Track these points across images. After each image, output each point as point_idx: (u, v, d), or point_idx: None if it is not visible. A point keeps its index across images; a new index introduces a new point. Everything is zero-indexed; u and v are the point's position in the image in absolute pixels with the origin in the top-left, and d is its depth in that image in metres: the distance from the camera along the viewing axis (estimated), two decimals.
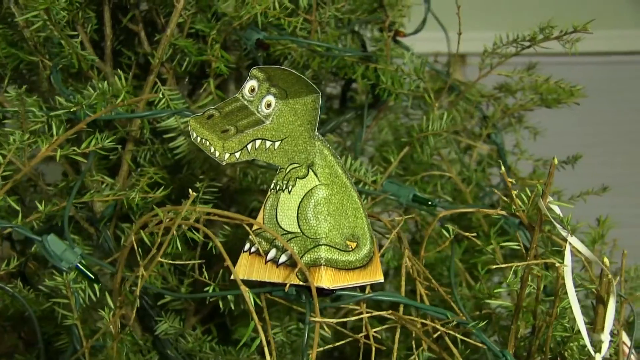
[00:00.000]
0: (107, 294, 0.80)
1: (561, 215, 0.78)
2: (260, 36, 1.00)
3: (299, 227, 0.76)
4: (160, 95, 0.96)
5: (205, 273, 0.82)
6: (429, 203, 0.96)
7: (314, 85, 0.78)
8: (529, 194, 0.79)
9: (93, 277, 0.83)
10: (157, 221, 0.78)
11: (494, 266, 0.75)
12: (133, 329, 1.02)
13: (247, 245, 0.78)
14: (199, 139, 0.78)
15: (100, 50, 1.06)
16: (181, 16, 1.00)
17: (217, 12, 1.02)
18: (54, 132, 0.79)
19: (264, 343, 0.65)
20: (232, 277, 0.78)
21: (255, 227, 0.77)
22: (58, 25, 0.87)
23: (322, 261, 0.74)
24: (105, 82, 0.90)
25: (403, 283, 0.79)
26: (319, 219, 0.75)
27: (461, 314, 0.81)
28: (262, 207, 0.79)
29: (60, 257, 0.82)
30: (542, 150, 1.29)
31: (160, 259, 0.74)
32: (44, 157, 0.77)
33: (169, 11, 1.05)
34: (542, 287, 0.84)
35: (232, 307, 0.82)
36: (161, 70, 1.05)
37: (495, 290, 0.82)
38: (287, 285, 0.73)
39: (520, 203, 0.80)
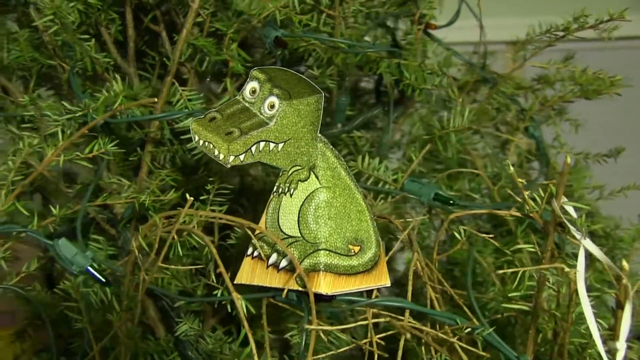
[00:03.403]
0: (113, 298, 0.80)
1: (575, 216, 0.75)
2: (278, 33, 0.98)
3: (299, 231, 0.75)
4: (178, 96, 0.96)
5: (213, 276, 0.82)
6: (451, 202, 0.93)
7: (316, 86, 0.76)
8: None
9: (104, 281, 0.83)
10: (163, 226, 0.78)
11: (500, 271, 0.72)
12: (156, 330, 1.02)
13: (250, 250, 0.77)
14: (201, 142, 0.76)
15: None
16: (200, 15, 0.99)
17: (236, 10, 1.00)
18: (60, 137, 0.79)
19: (254, 351, 0.64)
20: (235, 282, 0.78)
21: (257, 231, 0.76)
22: (68, 29, 0.86)
23: (321, 266, 0.72)
24: (118, 84, 0.90)
25: (410, 287, 0.77)
26: (319, 223, 0.74)
27: (474, 319, 0.78)
28: (265, 211, 0.77)
29: (71, 261, 0.82)
30: (584, 143, 1.24)
31: (160, 264, 0.74)
32: (50, 162, 0.77)
33: (187, 11, 1.04)
34: (562, 291, 0.80)
35: (252, 310, 0.81)
36: (182, 70, 1.05)
37: (510, 294, 0.79)
38: (285, 291, 0.72)
39: (533, 204, 0.77)
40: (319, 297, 0.72)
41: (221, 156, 0.76)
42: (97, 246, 0.98)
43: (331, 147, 0.77)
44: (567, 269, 0.70)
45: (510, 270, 0.72)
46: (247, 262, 0.77)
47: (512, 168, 0.74)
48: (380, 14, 1.13)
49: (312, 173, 0.75)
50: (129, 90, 0.93)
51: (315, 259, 0.72)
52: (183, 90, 0.96)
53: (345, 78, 1.10)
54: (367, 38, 1.13)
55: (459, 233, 0.80)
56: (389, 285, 0.77)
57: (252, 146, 0.76)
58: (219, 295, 0.82)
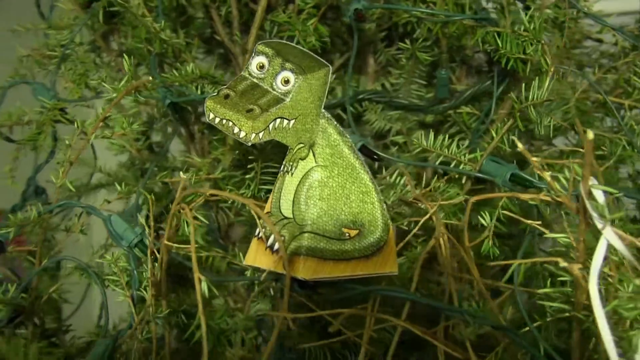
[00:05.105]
0: (143, 273, 0.81)
1: (602, 202, 0.63)
2: (359, 6, 0.93)
3: (292, 211, 0.71)
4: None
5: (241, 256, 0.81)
6: (527, 183, 0.83)
7: (322, 59, 0.72)
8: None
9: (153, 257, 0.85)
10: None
11: (492, 263, 0.63)
12: (244, 308, 1.03)
13: (257, 230, 0.75)
14: (217, 119, 0.74)
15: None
16: None
17: None
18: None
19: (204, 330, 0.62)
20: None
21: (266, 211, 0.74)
22: (132, 11, 0.89)
23: (302, 250, 0.68)
24: (126, 64, 0.90)
25: (416, 277, 0.70)
26: (308, 204, 0.70)
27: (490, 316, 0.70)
28: (272, 191, 0.75)
29: (121, 236, 0.85)
30: None
31: (167, 243, 0.74)
32: (85, 144, 0.81)
33: None
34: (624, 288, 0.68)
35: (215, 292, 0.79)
36: None
37: (540, 290, 0.69)
38: (265, 274, 0.69)
39: (558, 187, 0.66)
40: (302, 283, 0.68)
41: (242, 134, 0.74)
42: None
43: (335, 123, 0.72)
44: (563, 264, 0.59)
45: (503, 262, 0.62)
46: (254, 243, 0.75)
47: (520, 144, 0.64)
48: None
49: (310, 151, 0.71)
50: (204, 70, 0.95)
51: (299, 241, 0.69)
52: None
53: (445, 49, 1.02)
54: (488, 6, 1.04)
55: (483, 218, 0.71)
56: (396, 273, 0.70)
57: (270, 123, 0.73)
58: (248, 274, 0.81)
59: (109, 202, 0.90)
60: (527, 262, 0.63)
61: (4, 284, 0.90)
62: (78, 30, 1.06)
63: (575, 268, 0.60)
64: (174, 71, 0.93)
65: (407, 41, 1.00)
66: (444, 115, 1.04)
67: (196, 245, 0.85)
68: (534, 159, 0.65)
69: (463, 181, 0.88)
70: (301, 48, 0.72)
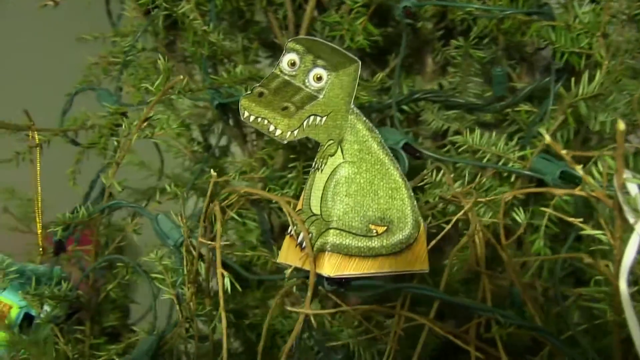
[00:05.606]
0: (183, 275, 0.82)
1: (635, 195, 0.60)
2: (408, 3, 0.92)
3: (320, 208, 0.70)
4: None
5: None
6: (577, 181, 0.79)
7: (351, 54, 0.71)
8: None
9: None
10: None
11: (515, 259, 0.60)
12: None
13: (290, 228, 0.74)
14: (252, 117, 0.74)
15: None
16: None
17: None
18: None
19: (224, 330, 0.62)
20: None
21: (298, 208, 0.74)
22: (180, 14, 0.91)
23: (327, 246, 0.67)
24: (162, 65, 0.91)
25: (445, 275, 0.68)
26: (335, 200, 0.69)
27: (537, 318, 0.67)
28: (304, 188, 0.74)
29: (167, 235, 0.86)
30: None
31: (201, 240, 0.75)
32: (129, 143, 0.83)
33: None
34: None
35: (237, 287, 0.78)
36: None
37: (580, 290, 0.66)
38: (289, 271, 0.68)
39: (592, 181, 0.63)
40: (331, 280, 0.67)
41: (278, 132, 0.73)
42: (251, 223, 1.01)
43: (364, 118, 0.71)
44: (588, 260, 0.56)
45: (523, 259, 0.60)
46: (286, 241, 0.74)
47: (547, 137, 0.61)
48: None
49: (339, 147, 0.71)
50: (253, 72, 0.95)
51: (324, 238, 0.68)
52: None
53: (502, 46, 0.99)
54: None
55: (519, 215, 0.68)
56: (427, 270, 0.69)
57: (304, 121, 0.73)
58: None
59: (159, 202, 0.92)
60: (547, 258, 0.60)
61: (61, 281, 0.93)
62: (139, 36, 1.08)
63: (602, 265, 0.57)
64: (223, 73, 0.94)
65: (461, 39, 0.98)
66: (503, 113, 1.01)
67: (249, 246, 0.86)
68: (564, 152, 0.62)
69: (512, 179, 0.85)
70: (331, 44, 0.71)
